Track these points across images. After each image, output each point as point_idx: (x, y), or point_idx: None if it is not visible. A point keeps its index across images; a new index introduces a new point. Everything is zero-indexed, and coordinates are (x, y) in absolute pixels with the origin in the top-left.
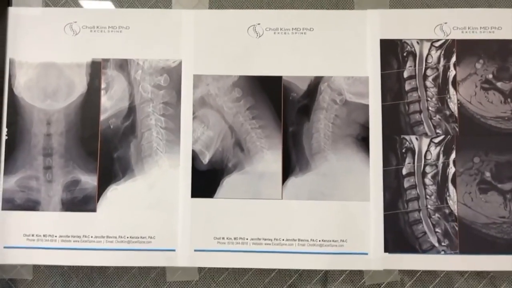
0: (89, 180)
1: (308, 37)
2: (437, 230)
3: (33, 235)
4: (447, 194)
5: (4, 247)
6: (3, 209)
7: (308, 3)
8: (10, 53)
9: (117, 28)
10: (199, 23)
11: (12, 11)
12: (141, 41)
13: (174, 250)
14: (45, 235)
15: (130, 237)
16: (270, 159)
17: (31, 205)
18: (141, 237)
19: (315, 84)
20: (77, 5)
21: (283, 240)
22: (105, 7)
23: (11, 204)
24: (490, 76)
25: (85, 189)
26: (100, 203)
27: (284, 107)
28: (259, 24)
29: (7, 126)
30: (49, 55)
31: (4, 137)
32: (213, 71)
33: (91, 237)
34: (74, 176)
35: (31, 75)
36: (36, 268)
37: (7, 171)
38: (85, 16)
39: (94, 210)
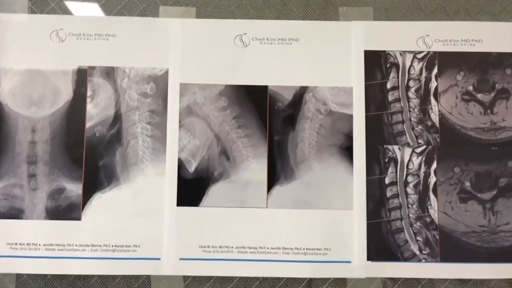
0: (74, 188)
1: (293, 48)
2: (418, 238)
3: (16, 244)
4: (428, 203)
5: None
6: None
7: (294, 14)
8: None
9: (104, 36)
10: (186, 32)
11: None
12: (127, 49)
13: (159, 259)
14: (29, 244)
15: (115, 245)
16: (256, 168)
17: (15, 213)
18: (126, 246)
19: (300, 94)
20: (63, 12)
21: (267, 248)
22: (91, 15)
23: None
24: (471, 87)
25: (69, 197)
26: (85, 212)
27: (269, 117)
28: (245, 34)
29: None
30: (34, 62)
31: None
32: (200, 80)
33: (76, 245)
34: (58, 184)
35: (16, 82)
36: (19, 277)
37: None
38: (71, 23)
39: (79, 218)
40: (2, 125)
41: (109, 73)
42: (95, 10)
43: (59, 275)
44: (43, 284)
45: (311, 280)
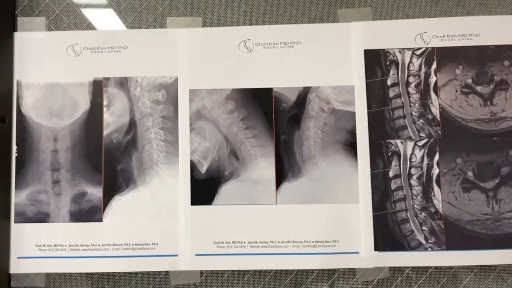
0: (95, 192)
1: (296, 50)
2: (423, 228)
3: (44, 245)
4: (432, 194)
5: (18, 257)
6: (15, 222)
7: (295, 18)
8: (17, 75)
9: (116, 48)
10: (193, 41)
11: (17, 35)
12: (139, 59)
13: (176, 255)
14: (56, 245)
15: (135, 244)
16: (264, 167)
17: (42, 217)
18: (145, 244)
19: (304, 94)
20: (78, 28)
21: (278, 242)
22: (104, 29)
23: (22, 217)
24: (470, 80)
25: (91, 201)
26: (106, 213)
27: (275, 117)
28: (249, 39)
29: (17, 144)
30: (53, 76)
31: (14, 154)
32: (208, 86)
33: (99, 245)
34: (80, 189)
35: (37, 95)
36: (48, 276)
37: (18, 186)
38: (86, 38)
39: (100, 220)
40: (27, 136)
41: (123, 83)
42: (108, 24)
43: (85, 273)
44: (70, 282)
45: (321, 271)
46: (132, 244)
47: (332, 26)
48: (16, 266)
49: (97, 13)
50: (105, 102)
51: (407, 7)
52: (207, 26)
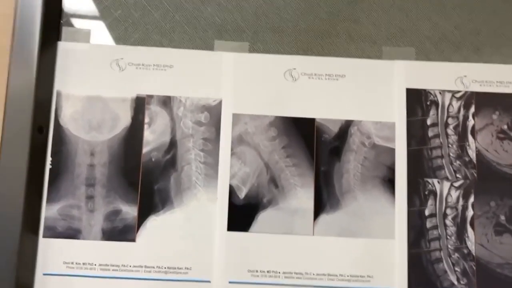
0: (130, 211)
1: (340, 83)
2: (456, 269)
3: (72, 263)
4: (466, 235)
5: (43, 274)
6: (44, 236)
7: (340, 51)
8: (57, 85)
9: (162, 66)
10: (239, 66)
11: (61, 45)
12: (183, 79)
13: (209, 281)
14: (85, 263)
15: (168, 267)
16: (303, 196)
17: (72, 233)
18: (178, 268)
19: (346, 127)
20: (124, 42)
21: (313, 274)
22: (151, 46)
23: (52, 232)
24: (505, 127)
25: (125, 219)
26: (139, 233)
27: (316, 148)
28: (295, 69)
29: (52, 156)
30: (95, 89)
31: (48, 166)
32: (251, 111)
33: (130, 266)
34: (115, 206)
35: (77, 107)
36: None
37: (50, 200)
38: (131, 53)
39: (133, 240)
40: (63, 148)
41: (166, 101)
42: (154, 42)
43: None
44: None
45: None
46: (165, 267)
47: (376, 62)
48: (41, 283)
49: (144, 30)
50: (146, 120)
51: (450, 51)
52: (254, 52)
